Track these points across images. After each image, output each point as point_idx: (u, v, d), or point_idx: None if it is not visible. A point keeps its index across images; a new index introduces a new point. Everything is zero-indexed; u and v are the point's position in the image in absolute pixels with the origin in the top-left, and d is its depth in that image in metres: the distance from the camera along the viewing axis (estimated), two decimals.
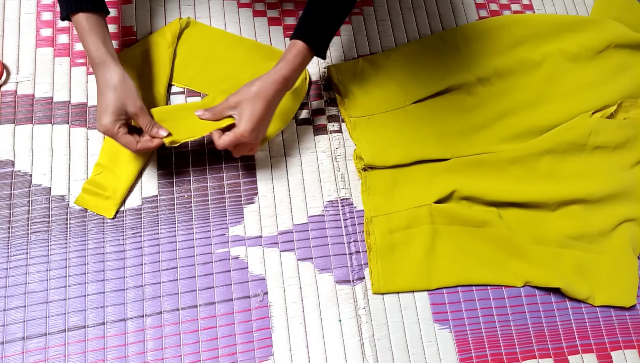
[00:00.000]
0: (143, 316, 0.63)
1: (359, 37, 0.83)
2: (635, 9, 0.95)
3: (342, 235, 0.71)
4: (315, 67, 0.80)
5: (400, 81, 0.80)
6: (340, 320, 0.67)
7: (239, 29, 0.80)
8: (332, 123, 0.77)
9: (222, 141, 0.60)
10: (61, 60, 0.72)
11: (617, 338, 0.73)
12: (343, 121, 0.78)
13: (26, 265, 0.62)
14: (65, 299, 0.62)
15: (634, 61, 0.89)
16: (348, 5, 0.63)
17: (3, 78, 0.70)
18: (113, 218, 0.66)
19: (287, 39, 0.80)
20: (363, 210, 0.72)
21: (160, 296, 0.64)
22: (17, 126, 0.68)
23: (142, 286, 0.64)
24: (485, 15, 0.90)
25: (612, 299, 0.74)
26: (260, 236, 0.69)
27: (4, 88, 0.70)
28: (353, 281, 0.69)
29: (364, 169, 0.74)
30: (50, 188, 0.66)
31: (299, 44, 0.60)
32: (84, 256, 0.64)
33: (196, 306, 0.64)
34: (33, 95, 0.70)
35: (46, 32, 0.74)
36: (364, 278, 0.69)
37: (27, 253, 0.63)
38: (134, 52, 0.73)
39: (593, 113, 0.82)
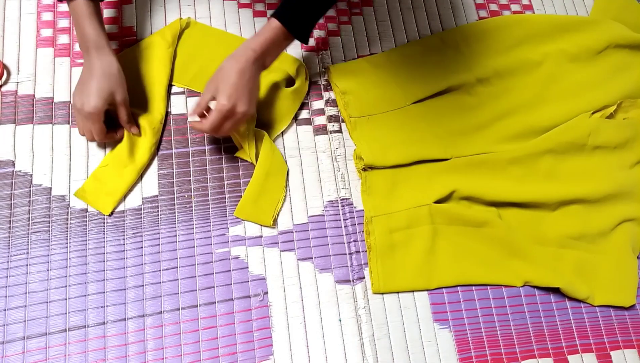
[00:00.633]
0: (143, 316, 0.63)
1: (359, 37, 0.83)
2: (635, 9, 0.95)
3: (342, 235, 0.71)
4: (315, 67, 0.80)
5: (400, 81, 0.80)
6: (340, 320, 0.67)
7: (239, 29, 0.80)
8: (332, 123, 0.77)
9: (208, 121, 0.60)
10: (62, 60, 0.73)
11: (617, 338, 0.73)
12: (343, 121, 0.78)
13: (26, 265, 0.63)
14: (66, 299, 0.62)
15: (633, 61, 0.89)
16: None
17: (3, 78, 0.70)
18: (109, 215, 0.66)
19: None
20: (363, 210, 0.73)
21: (160, 296, 0.64)
22: (17, 126, 0.68)
23: (143, 286, 0.64)
24: (485, 15, 0.90)
25: (611, 299, 0.74)
26: (261, 236, 0.69)
27: (4, 88, 0.70)
28: (353, 281, 0.69)
29: (364, 169, 0.74)
30: (50, 188, 0.66)
31: (273, 21, 0.61)
32: (85, 256, 0.64)
33: (196, 306, 0.64)
34: (33, 95, 0.70)
35: (47, 32, 0.74)
36: (364, 278, 0.69)
37: (27, 253, 0.63)
38: (134, 53, 0.73)
39: (593, 113, 0.82)
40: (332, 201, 0.73)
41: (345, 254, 0.70)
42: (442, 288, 0.71)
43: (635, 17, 0.93)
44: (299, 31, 0.62)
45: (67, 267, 0.63)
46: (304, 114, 0.77)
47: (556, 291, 0.73)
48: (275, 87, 0.74)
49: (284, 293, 0.67)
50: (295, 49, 0.80)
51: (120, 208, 0.67)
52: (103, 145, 0.69)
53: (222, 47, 0.77)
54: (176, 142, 0.71)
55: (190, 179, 0.70)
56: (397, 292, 0.69)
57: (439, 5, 0.89)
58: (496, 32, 0.86)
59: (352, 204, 0.73)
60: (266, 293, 0.66)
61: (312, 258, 0.69)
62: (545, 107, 0.82)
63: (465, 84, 0.80)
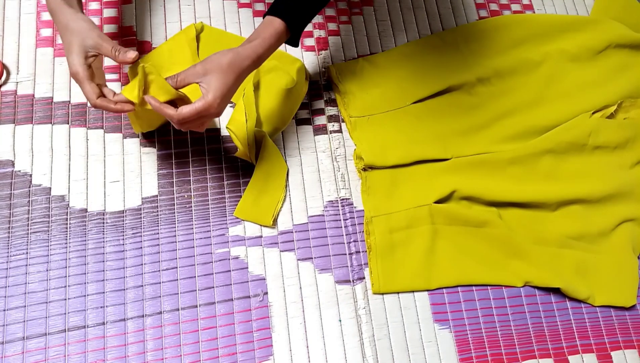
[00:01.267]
0: (143, 316, 0.63)
1: (359, 37, 0.83)
2: (635, 9, 0.95)
3: (342, 235, 0.71)
4: (315, 67, 0.80)
5: (400, 81, 0.80)
6: (340, 320, 0.67)
7: (239, 29, 0.79)
8: (332, 123, 0.77)
9: (185, 111, 0.54)
10: (61, 60, 0.72)
11: (617, 338, 0.73)
12: (343, 121, 0.78)
13: (26, 265, 0.62)
14: (65, 299, 0.62)
15: (634, 61, 0.89)
16: None
17: (3, 78, 0.70)
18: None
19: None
20: (363, 210, 0.72)
21: (160, 296, 0.64)
22: (17, 126, 0.68)
23: (142, 286, 0.64)
24: (485, 15, 0.90)
25: (612, 299, 0.74)
26: (260, 236, 0.69)
27: (4, 88, 0.70)
28: (353, 281, 0.69)
29: (364, 169, 0.74)
30: (50, 188, 0.66)
31: (277, 23, 0.57)
32: (84, 256, 0.64)
33: (196, 306, 0.64)
34: (33, 95, 0.70)
35: (46, 32, 0.74)
36: (364, 278, 0.69)
37: (27, 253, 0.63)
38: (161, 51, 0.73)
39: (593, 113, 0.82)
40: (332, 201, 0.72)
41: (345, 254, 0.70)
42: (442, 288, 0.71)
43: (635, 17, 0.93)
44: (296, 32, 0.60)
45: (66, 267, 0.63)
46: (304, 114, 0.77)
47: (556, 291, 0.73)
48: (275, 88, 0.74)
49: (284, 294, 0.67)
50: (295, 49, 0.80)
51: (120, 207, 0.67)
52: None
53: None
54: (176, 142, 0.71)
55: (189, 179, 0.70)
56: (397, 292, 0.69)
57: (439, 5, 0.89)
58: (496, 32, 0.86)
59: (352, 204, 0.73)
60: (266, 293, 0.66)
61: (312, 258, 0.69)
62: (546, 107, 0.82)
63: (466, 83, 0.80)
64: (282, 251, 0.69)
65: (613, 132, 0.81)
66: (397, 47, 0.83)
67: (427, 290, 0.70)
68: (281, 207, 0.70)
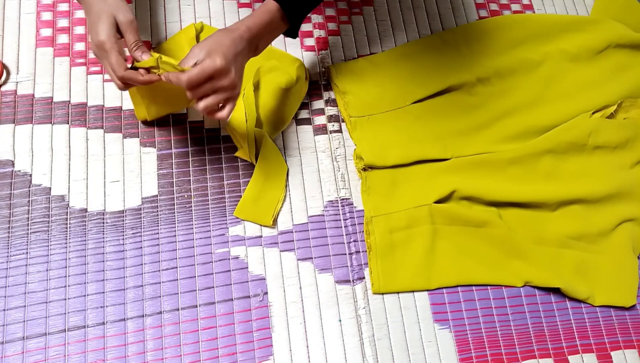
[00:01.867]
0: (143, 316, 0.63)
1: (359, 37, 0.83)
2: (635, 9, 0.95)
3: (342, 235, 0.71)
4: (315, 67, 0.80)
5: (400, 81, 0.80)
6: (340, 320, 0.67)
7: None
8: (332, 123, 0.77)
9: (194, 72, 0.51)
10: (61, 60, 0.72)
11: (617, 338, 0.73)
12: (343, 121, 0.78)
13: (26, 265, 0.62)
14: (65, 299, 0.62)
15: (634, 61, 0.89)
16: None
17: (3, 78, 0.70)
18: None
19: (287, 39, 0.80)
20: (363, 210, 0.72)
21: (160, 296, 0.64)
22: (17, 126, 0.68)
23: (142, 286, 0.64)
24: (485, 15, 0.90)
25: (612, 299, 0.74)
26: (260, 236, 0.69)
27: (3, 88, 0.70)
28: (353, 281, 0.69)
29: (364, 169, 0.74)
30: (50, 188, 0.66)
31: (270, 3, 0.57)
32: (84, 256, 0.64)
33: (196, 306, 0.64)
34: (33, 95, 0.70)
35: (46, 32, 0.74)
36: (364, 278, 0.69)
37: (27, 253, 0.63)
38: (161, 51, 0.73)
39: (593, 113, 0.82)
40: (332, 201, 0.72)
41: (345, 254, 0.70)
42: (442, 288, 0.71)
43: (635, 17, 0.93)
44: (294, 17, 0.59)
45: (66, 267, 0.63)
46: (304, 114, 0.77)
47: (556, 291, 0.73)
48: (275, 87, 0.74)
49: (284, 294, 0.67)
50: (295, 49, 0.80)
51: (120, 207, 0.67)
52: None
53: None
54: (175, 142, 0.71)
55: (189, 179, 0.70)
56: (397, 292, 0.69)
57: (439, 4, 0.89)
58: (496, 32, 0.86)
59: (352, 204, 0.73)
60: (266, 293, 0.66)
61: (312, 258, 0.69)
62: (546, 107, 0.82)
63: (466, 83, 0.80)
64: (282, 251, 0.69)
65: (613, 133, 0.81)
66: (397, 47, 0.83)
67: (427, 290, 0.70)
68: (281, 207, 0.70)
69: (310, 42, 0.81)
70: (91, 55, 0.73)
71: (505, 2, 0.93)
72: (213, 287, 0.65)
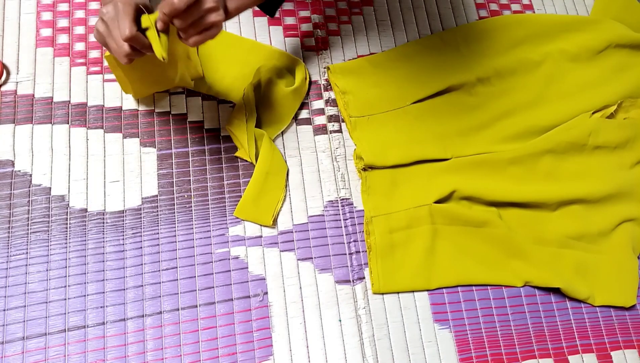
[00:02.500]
0: (143, 316, 0.63)
1: (359, 37, 0.83)
2: (635, 9, 0.95)
3: (342, 235, 0.71)
4: (315, 67, 0.80)
5: (400, 81, 0.80)
6: (340, 320, 0.67)
7: (239, 29, 0.79)
8: (332, 123, 0.77)
9: None
10: (61, 60, 0.72)
11: (617, 338, 0.73)
12: (343, 121, 0.78)
13: (26, 265, 0.62)
14: (65, 299, 0.62)
15: (634, 61, 0.89)
16: None
17: (3, 78, 0.70)
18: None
19: (287, 39, 0.80)
20: (363, 210, 0.72)
21: (160, 296, 0.64)
22: (17, 126, 0.68)
23: (142, 286, 0.64)
24: (485, 15, 0.90)
25: (612, 299, 0.74)
26: (260, 236, 0.69)
27: (4, 88, 0.70)
28: (353, 281, 0.69)
29: (364, 169, 0.74)
30: (50, 188, 0.66)
31: None
32: (84, 256, 0.64)
33: (196, 306, 0.64)
34: (33, 95, 0.70)
35: (46, 32, 0.74)
36: (364, 278, 0.69)
37: (27, 253, 0.63)
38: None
39: (593, 113, 0.82)
40: (332, 201, 0.72)
41: (345, 254, 0.70)
42: (442, 288, 0.71)
43: (635, 17, 0.93)
44: None
45: (66, 267, 0.63)
46: (304, 114, 0.77)
47: (556, 291, 0.73)
48: (275, 87, 0.74)
49: (284, 294, 0.67)
50: (295, 49, 0.80)
51: (120, 207, 0.67)
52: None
53: (239, 50, 0.77)
54: (175, 142, 0.71)
55: (189, 179, 0.70)
56: (397, 292, 0.69)
57: (439, 4, 0.89)
58: (496, 32, 0.86)
59: (352, 204, 0.73)
60: (266, 293, 0.66)
61: (312, 258, 0.69)
62: (546, 107, 0.82)
63: (466, 83, 0.80)
64: (282, 251, 0.69)
65: (613, 133, 0.81)
66: (397, 47, 0.83)
67: (427, 290, 0.70)
68: (281, 207, 0.70)
69: (310, 42, 0.81)
70: (91, 55, 0.73)
71: (505, 2, 0.93)
72: (213, 287, 0.65)
